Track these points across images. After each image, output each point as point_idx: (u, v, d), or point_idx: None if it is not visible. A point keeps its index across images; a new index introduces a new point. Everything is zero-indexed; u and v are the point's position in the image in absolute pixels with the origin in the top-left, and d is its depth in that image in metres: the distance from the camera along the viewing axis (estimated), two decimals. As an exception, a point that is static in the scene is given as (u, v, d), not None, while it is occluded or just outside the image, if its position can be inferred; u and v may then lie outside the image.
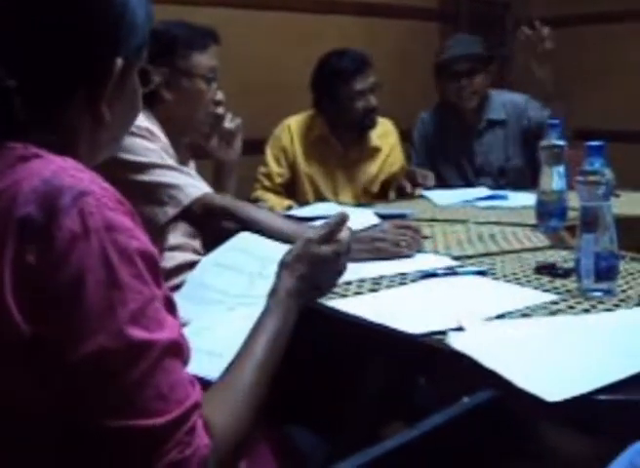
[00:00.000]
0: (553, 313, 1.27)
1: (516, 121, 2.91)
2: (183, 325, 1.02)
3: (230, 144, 2.06)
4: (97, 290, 0.78)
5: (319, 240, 1.16)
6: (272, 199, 2.73)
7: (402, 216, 2.17)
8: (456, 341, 1.13)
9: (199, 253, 1.90)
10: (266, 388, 0.96)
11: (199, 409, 0.83)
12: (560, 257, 1.66)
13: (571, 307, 1.30)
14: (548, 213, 1.98)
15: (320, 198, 2.78)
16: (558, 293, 1.38)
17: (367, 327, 1.27)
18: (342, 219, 1.20)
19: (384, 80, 2.79)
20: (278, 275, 1.13)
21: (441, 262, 1.62)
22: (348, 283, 1.49)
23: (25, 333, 0.77)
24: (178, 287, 1.57)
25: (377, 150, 2.90)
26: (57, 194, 0.79)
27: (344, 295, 1.42)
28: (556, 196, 1.96)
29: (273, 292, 1.10)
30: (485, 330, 1.19)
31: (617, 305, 1.30)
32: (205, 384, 0.90)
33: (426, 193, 2.67)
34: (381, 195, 2.88)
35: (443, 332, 1.17)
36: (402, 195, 2.73)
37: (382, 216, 2.06)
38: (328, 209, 2.33)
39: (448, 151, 3.01)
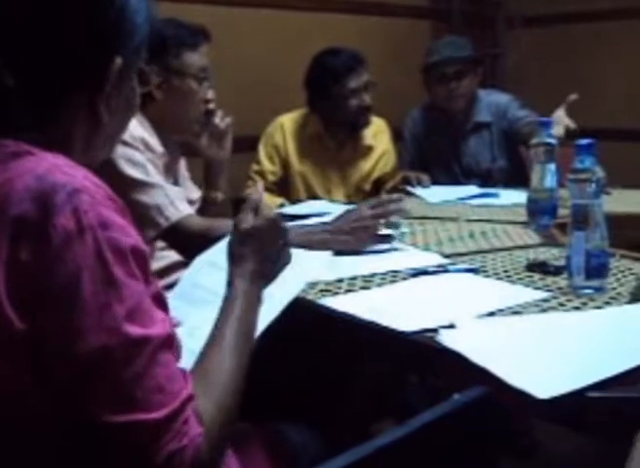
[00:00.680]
0: (544, 310, 1.28)
1: (499, 122, 2.92)
2: (176, 325, 1.03)
3: (221, 143, 2.05)
4: (93, 287, 0.78)
5: (246, 218, 1.15)
6: (265, 197, 2.73)
7: None
8: (447, 339, 1.13)
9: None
10: (243, 372, 0.96)
11: (193, 401, 0.84)
12: (551, 255, 1.66)
13: (562, 304, 1.31)
14: (539, 210, 1.98)
15: (312, 196, 2.78)
16: (549, 291, 1.38)
17: (358, 324, 1.27)
18: (259, 198, 1.19)
19: (377, 78, 2.79)
20: (229, 267, 1.12)
21: (432, 260, 1.63)
22: (340, 280, 1.49)
23: (19, 332, 0.77)
24: (170, 286, 1.57)
25: (370, 149, 2.90)
26: (51, 192, 0.79)
27: (336, 293, 1.42)
28: (547, 194, 1.96)
29: (229, 284, 1.09)
30: (476, 327, 1.19)
31: (607, 303, 1.31)
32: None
33: (417, 191, 2.68)
34: (374, 194, 2.88)
35: (434, 330, 1.17)
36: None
37: None
38: (320, 207, 2.33)
39: (437, 151, 3.01)
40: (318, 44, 2.87)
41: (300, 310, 1.29)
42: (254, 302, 1.08)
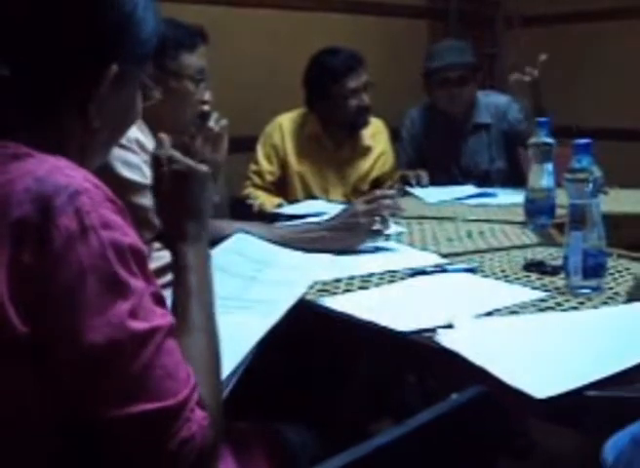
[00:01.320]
0: (542, 310, 1.28)
1: (498, 124, 2.93)
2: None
3: (216, 146, 2.05)
4: (97, 287, 0.79)
5: (157, 181, 1.13)
6: (263, 197, 2.73)
7: None
8: (445, 339, 1.13)
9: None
10: (216, 344, 0.96)
11: (198, 387, 0.85)
12: (548, 255, 1.67)
13: (559, 304, 1.31)
14: (537, 210, 1.99)
15: (310, 196, 2.78)
16: (547, 291, 1.38)
17: (356, 324, 1.27)
18: (166, 153, 1.14)
19: (374, 78, 2.79)
20: (165, 233, 1.10)
21: (430, 260, 1.63)
22: (338, 280, 1.50)
23: (22, 335, 0.77)
24: (166, 285, 1.57)
25: (368, 149, 2.90)
26: (52, 193, 0.80)
27: (334, 293, 1.42)
28: (545, 194, 1.97)
29: (174, 252, 1.06)
30: (474, 327, 1.19)
31: (604, 302, 1.31)
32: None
33: (415, 190, 2.68)
34: (372, 194, 2.88)
35: (432, 330, 1.17)
36: None
37: None
38: (318, 207, 2.33)
39: (435, 151, 3.02)
40: (316, 44, 2.87)
41: (298, 310, 1.29)
42: (202, 263, 1.05)
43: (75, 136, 0.93)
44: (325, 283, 1.48)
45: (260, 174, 2.83)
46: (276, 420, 1.36)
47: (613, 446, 0.75)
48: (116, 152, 1.67)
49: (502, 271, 1.54)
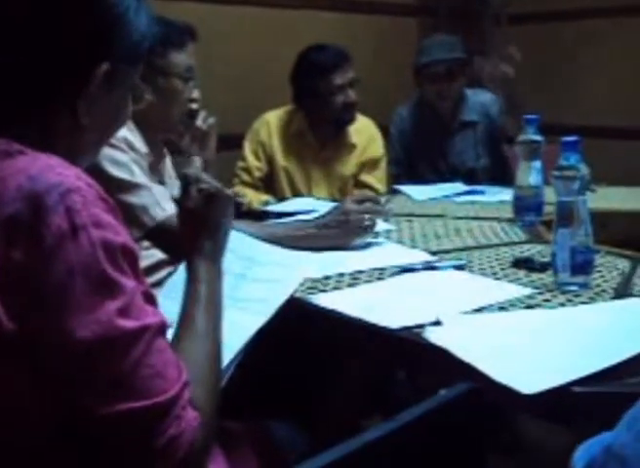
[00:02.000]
0: (530, 307, 1.29)
1: (483, 121, 2.96)
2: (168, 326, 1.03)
3: (204, 144, 2.05)
4: (86, 285, 0.79)
5: (188, 196, 1.14)
6: (250, 194, 2.73)
7: None
8: (433, 335, 1.14)
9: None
10: (219, 353, 0.97)
11: (189, 386, 0.85)
12: (537, 252, 1.68)
13: (547, 301, 1.32)
14: (525, 207, 2.00)
15: (296, 193, 2.78)
16: (535, 287, 1.39)
17: (346, 321, 1.27)
18: (195, 173, 1.17)
19: (363, 76, 2.79)
20: (184, 248, 1.11)
21: (419, 257, 1.64)
22: (327, 278, 1.50)
23: (9, 332, 0.77)
24: (156, 284, 1.57)
25: (354, 147, 2.90)
26: (43, 192, 0.80)
27: (323, 290, 1.42)
28: (533, 191, 1.98)
29: (188, 265, 1.08)
30: (462, 323, 1.20)
31: (592, 299, 1.32)
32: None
33: (404, 188, 2.68)
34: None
35: (421, 327, 1.18)
36: None
37: None
38: (306, 204, 2.33)
39: (424, 148, 3.03)
40: (304, 41, 2.86)
41: (287, 307, 1.29)
42: (214, 278, 1.07)
43: (65, 136, 0.93)
44: (314, 280, 1.48)
45: (247, 170, 2.82)
46: (266, 417, 1.37)
47: (583, 454, 0.75)
48: (104, 151, 1.66)
49: (491, 268, 1.55)
